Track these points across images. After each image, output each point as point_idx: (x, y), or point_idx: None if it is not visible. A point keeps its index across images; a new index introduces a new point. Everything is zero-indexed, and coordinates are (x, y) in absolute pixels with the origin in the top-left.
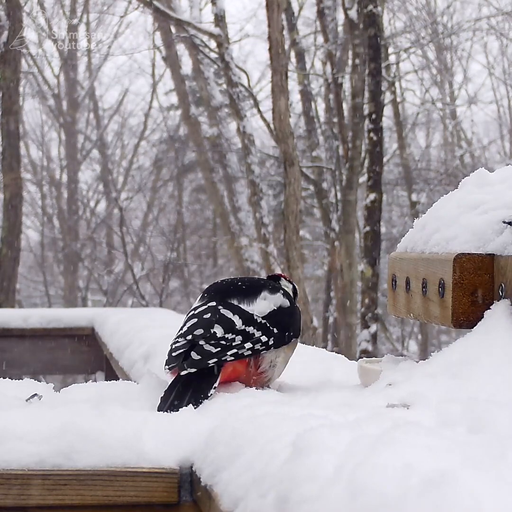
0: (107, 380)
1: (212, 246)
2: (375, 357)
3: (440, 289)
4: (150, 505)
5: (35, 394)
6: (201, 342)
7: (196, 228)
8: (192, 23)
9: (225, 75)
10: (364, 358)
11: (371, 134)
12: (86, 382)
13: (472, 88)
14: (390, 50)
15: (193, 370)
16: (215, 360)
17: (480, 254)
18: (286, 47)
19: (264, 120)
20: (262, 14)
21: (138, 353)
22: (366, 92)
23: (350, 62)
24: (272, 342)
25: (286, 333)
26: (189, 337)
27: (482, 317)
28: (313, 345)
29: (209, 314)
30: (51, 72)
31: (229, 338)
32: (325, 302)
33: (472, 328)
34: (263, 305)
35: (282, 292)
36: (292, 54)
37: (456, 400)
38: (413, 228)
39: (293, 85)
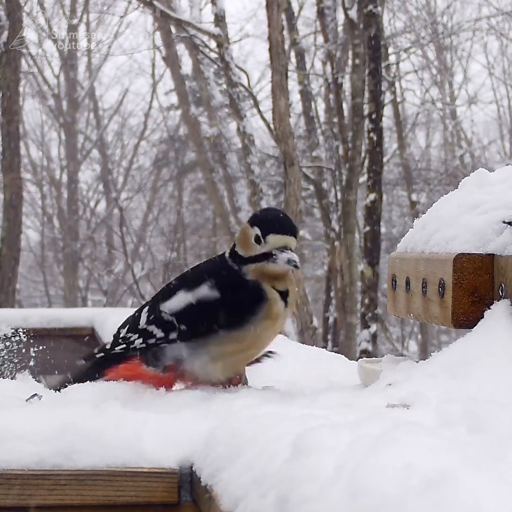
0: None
1: (212, 246)
2: (375, 357)
3: (440, 289)
4: (150, 505)
5: (35, 394)
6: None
7: (196, 228)
8: (192, 23)
9: (225, 75)
10: (364, 358)
11: (371, 134)
12: (86, 382)
13: (472, 88)
14: (390, 50)
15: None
16: (101, 354)
17: (480, 254)
18: (286, 47)
19: (264, 120)
20: (262, 14)
21: None
22: (366, 92)
23: (350, 62)
24: (175, 336)
25: (202, 327)
26: (114, 334)
27: (482, 317)
28: (313, 345)
29: (136, 312)
30: (51, 72)
31: (128, 337)
32: (325, 302)
33: (472, 328)
34: (178, 300)
35: (212, 283)
36: (292, 54)
37: (456, 400)
38: (413, 228)
39: (293, 85)
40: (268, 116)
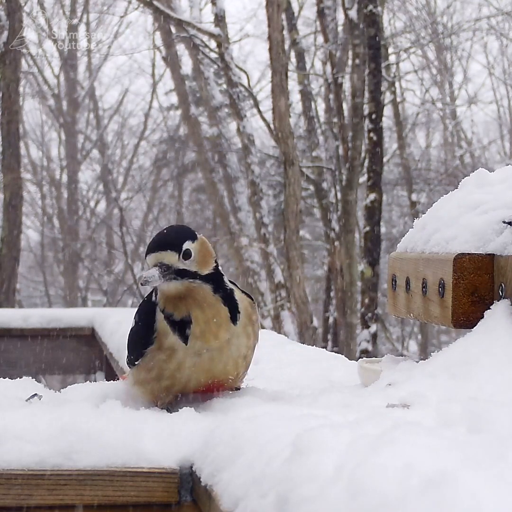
0: (107, 380)
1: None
2: (375, 357)
3: (440, 289)
4: (150, 505)
5: (35, 394)
6: None
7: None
8: (192, 23)
9: (225, 75)
10: (364, 358)
11: (371, 134)
12: (86, 382)
13: (472, 88)
14: (390, 50)
15: None
16: None
17: (480, 254)
18: (286, 47)
19: (264, 120)
20: (262, 14)
21: None
22: (366, 92)
23: (350, 62)
24: (126, 362)
25: (129, 354)
26: None
27: (482, 317)
28: (313, 345)
29: None
30: (51, 72)
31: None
32: (325, 302)
33: (472, 328)
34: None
35: (136, 311)
36: (292, 54)
37: (456, 400)
38: (413, 228)
39: (293, 85)
40: (268, 116)
